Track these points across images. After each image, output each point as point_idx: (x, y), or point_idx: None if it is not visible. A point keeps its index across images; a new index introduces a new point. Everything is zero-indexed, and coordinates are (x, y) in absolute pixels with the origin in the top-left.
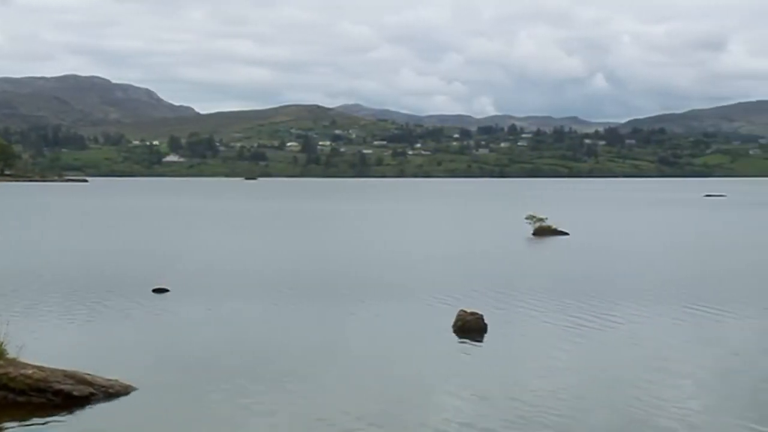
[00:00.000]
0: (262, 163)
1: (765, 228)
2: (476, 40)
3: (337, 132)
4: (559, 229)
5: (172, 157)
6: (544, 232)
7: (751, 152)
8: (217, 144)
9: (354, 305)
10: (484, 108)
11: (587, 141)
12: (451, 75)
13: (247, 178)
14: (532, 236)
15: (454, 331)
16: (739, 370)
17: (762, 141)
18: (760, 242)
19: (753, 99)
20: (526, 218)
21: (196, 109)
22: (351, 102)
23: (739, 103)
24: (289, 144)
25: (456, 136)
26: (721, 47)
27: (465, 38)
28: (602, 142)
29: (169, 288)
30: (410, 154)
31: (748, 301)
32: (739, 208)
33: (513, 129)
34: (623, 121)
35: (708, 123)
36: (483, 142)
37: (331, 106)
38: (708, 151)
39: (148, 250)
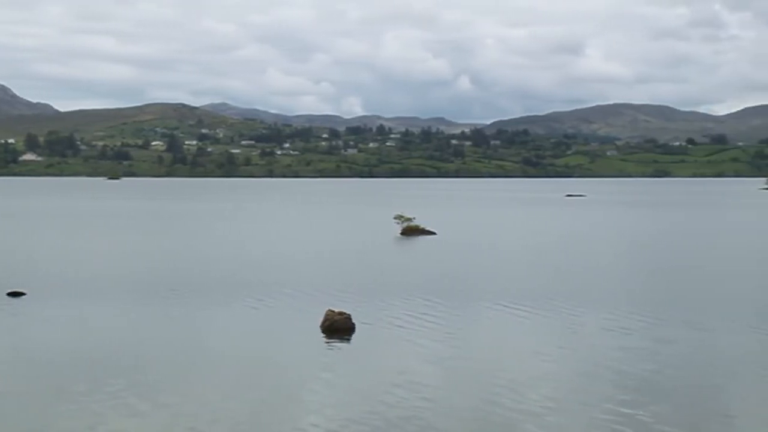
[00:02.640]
0: (126, 163)
1: (622, 226)
2: (343, 41)
3: (204, 131)
4: (427, 228)
5: (29, 156)
6: (412, 231)
7: (608, 153)
8: (78, 143)
9: (221, 306)
10: (352, 108)
11: (454, 142)
12: (318, 75)
13: (109, 178)
14: (400, 236)
15: (322, 331)
16: (597, 367)
17: (619, 142)
18: (617, 240)
19: (610, 102)
20: (395, 218)
21: (56, 107)
22: (218, 101)
23: (597, 106)
24: (153, 143)
25: (325, 136)
26: (579, 51)
27: (332, 39)
28: (468, 143)
29: (25, 291)
30: (279, 154)
31: (605, 298)
32: (598, 208)
33: (381, 129)
34: (488, 122)
35: (568, 125)
36: (352, 143)
37: (197, 105)
38: (568, 152)
39: (2, 252)
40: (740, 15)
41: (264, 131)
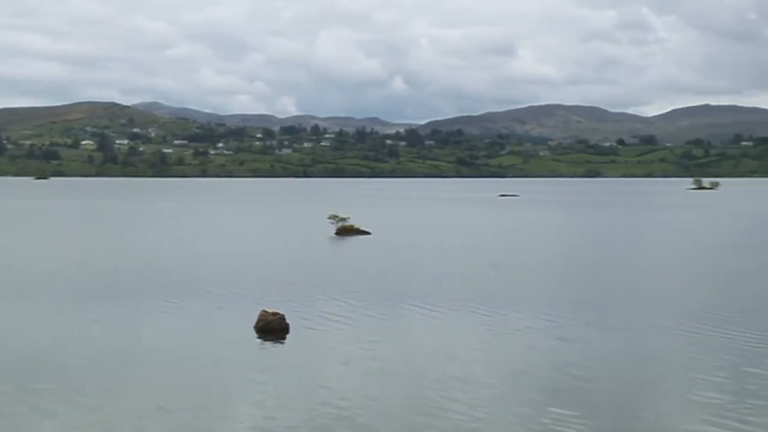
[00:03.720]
0: (55, 162)
1: (554, 226)
2: (276, 40)
3: (136, 130)
4: (362, 228)
5: None
6: (346, 231)
7: (541, 153)
8: (5, 141)
9: (152, 306)
10: (286, 108)
11: (388, 142)
12: (252, 74)
13: (37, 178)
14: (334, 236)
15: (256, 332)
16: (525, 367)
17: (551, 143)
18: (549, 240)
19: (543, 103)
20: (329, 218)
21: None
22: (150, 100)
23: (530, 107)
24: (83, 142)
25: (259, 135)
26: (511, 53)
27: (265, 38)
28: (403, 143)
29: None
30: (212, 154)
31: (535, 298)
32: (532, 207)
33: (316, 129)
34: (423, 122)
35: (502, 125)
36: (286, 142)
37: (128, 104)
38: (502, 153)
39: None
40: (666, 18)
41: (197, 131)
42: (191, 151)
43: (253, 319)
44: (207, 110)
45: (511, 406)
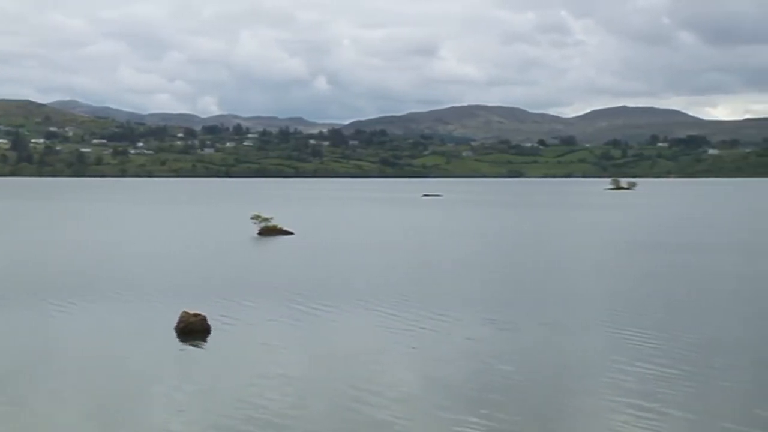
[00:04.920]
0: None
1: (477, 226)
2: (197, 39)
3: (52, 129)
4: (285, 228)
5: None
6: (269, 231)
7: (464, 154)
8: None
9: (70, 308)
10: (208, 107)
11: (312, 141)
12: (173, 73)
13: None
14: (257, 236)
15: (177, 333)
16: (449, 366)
17: (474, 143)
18: (472, 240)
19: (465, 103)
20: (252, 218)
21: None
22: (67, 98)
23: (453, 107)
24: None
25: (180, 135)
26: (434, 53)
27: (186, 36)
28: (326, 143)
29: None
30: (132, 153)
31: (458, 297)
32: (454, 207)
33: (238, 129)
34: (346, 122)
35: (425, 125)
36: (208, 142)
37: (44, 102)
38: (425, 153)
39: None
40: (584, 21)
41: (116, 130)
42: (110, 150)
43: (174, 320)
44: (127, 109)
45: (428, 409)
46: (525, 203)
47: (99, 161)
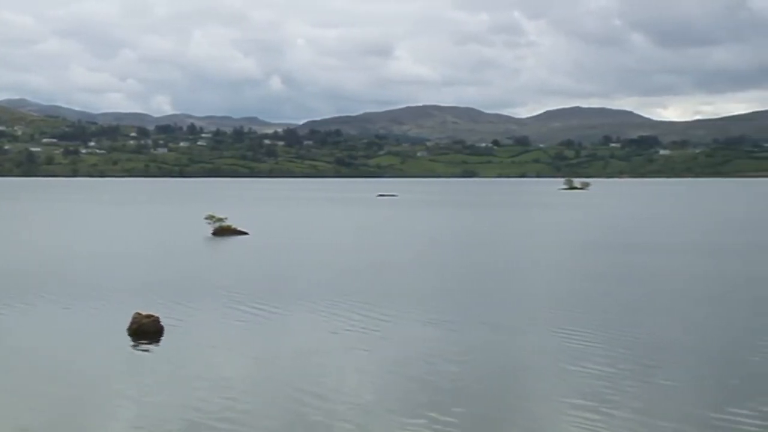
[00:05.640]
0: None
1: (431, 225)
2: (149, 37)
3: (1, 128)
4: (239, 228)
5: None
6: (224, 232)
7: (419, 154)
8: None
9: (18, 309)
10: (161, 106)
11: (267, 141)
12: (125, 72)
13: None
14: (211, 236)
15: (129, 335)
16: (401, 368)
17: (429, 143)
18: (426, 239)
19: (420, 104)
20: (206, 218)
21: None
22: (16, 97)
23: (408, 107)
24: None
25: (133, 134)
26: (389, 54)
27: (137, 35)
28: (281, 143)
29: None
30: (84, 153)
31: (410, 297)
32: (409, 207)
33: (192, 128)
34: (301, 122)
35: (380, 125)
36: (161, 142)
37: None
38: (380, 153)
39: None
40: (537, 23)
41: (67, 129)
42: (61, 150)
43: (127, 322)
44: (78, 108)
45: (373, 411)
46: (479, 203)
47: (50, 161)
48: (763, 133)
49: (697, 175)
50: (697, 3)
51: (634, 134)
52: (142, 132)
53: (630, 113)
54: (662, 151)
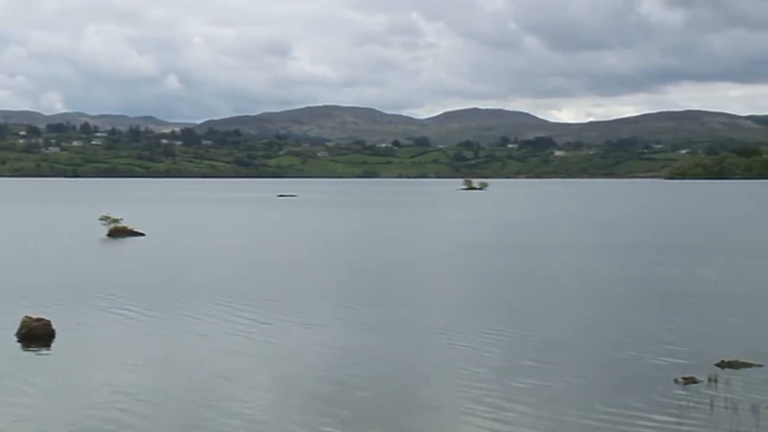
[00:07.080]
0: None
1: (331, 225)
2: (38, 33)
3: None
4: (135, 229)
5: None
6: (119, 233)
7: (319, 154)
8: None
9: None
10: (53, 105)
11: (164, 141)
12: (13, 68)
13: None
14: (106, 237)
15: (18, 339)
16: (300, 369)
17: (329, 144)
18: (326, 239)
19: (320, 104)
20: (100, 219)
21: None
22: None
23: (307, 108)
24: None
25: (23, 133)
26: (287, 53)
27: (25, 30)
28: (179, 143)
29: None
30: None
31: (311, 297)
32: (309, 207)
33: (86, 127)
34: (199, 122)
35: (279, 125)
36: (53, 141)
37: None
38: (280, 153)
39: None
40: (435, 24)
41: None
42: None
43: (16, 326)
44: None
45: (274, 417)
46: (379, 203)
47: None
48: (651, 135)
49: (591, 176)
50: (588, 8)
51: (531, 135)
52: (33, 130)
53: (526, 114)
54: (557, 152)
